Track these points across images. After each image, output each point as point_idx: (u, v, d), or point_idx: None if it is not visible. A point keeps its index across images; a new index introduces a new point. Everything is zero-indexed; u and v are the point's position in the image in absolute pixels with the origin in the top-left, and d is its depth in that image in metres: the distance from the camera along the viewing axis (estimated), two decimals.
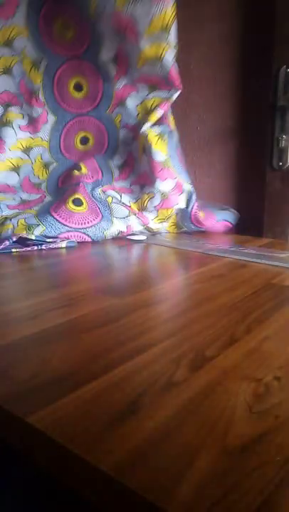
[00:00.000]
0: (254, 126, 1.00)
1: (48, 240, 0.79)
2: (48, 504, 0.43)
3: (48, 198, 0.87)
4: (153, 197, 0.88)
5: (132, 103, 0.88)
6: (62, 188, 0.89)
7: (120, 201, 0.89)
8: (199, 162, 1.11)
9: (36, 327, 0.51)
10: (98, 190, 0.86)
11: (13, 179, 0.88)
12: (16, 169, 0.89)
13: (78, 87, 0.92)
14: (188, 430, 0.32)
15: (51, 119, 0.94)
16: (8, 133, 0.91)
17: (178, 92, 0.86)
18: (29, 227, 0.78)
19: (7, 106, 0.89)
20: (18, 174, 0.88)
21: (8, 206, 0.85)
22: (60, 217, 0.80)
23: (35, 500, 0.45)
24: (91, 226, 0.83)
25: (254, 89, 0.98)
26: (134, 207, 0.90)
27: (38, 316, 0.54)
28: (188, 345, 0.46)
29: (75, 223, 0.82)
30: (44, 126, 0.94)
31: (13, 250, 0.76)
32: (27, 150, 0.91)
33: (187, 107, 1.10)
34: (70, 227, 0.82)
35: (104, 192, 0.88)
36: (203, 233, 1.02)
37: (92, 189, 0.86)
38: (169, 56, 0.80)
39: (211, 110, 1.06)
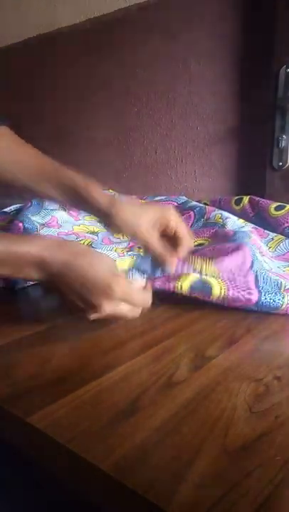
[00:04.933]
0: (254, 126, 0.99)
1: None
2: (48, 503, 0.43)
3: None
4: None
5: None
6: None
7: None
8: (199, 162, 1.11)
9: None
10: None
11: (93, 238, 0.87)
12: (93, 233, 0.89)
13: None
14: (188, 430, 0.32)
15: None
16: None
17: None
18: None
19: None
20: (96, 235, 0.87)
21: (103, 239, 0.83)
22: None
23: (35, 500, 0.45)
24: None
25: (254, 89, 0.98)
26: None
27: None
28: (188, 345, 0.46)
29: None
30: None
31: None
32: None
33: (187, 107, 1.10)
34: None
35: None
36: None
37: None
38: None
39: (211, 110, 1.06)
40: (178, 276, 0.55)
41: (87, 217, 0.93)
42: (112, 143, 1.25)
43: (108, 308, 0.46)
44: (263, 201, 0.83)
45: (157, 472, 0.28)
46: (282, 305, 0.52)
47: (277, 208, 0.79)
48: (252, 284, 0.54)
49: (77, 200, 0.57)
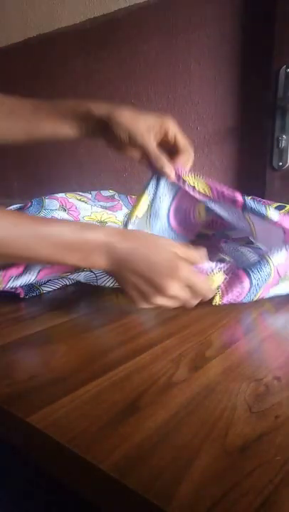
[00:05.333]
0: (254, 126, 0.99)
1: None
2: (48, 504, 0.43)
3: None
4: None
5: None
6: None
7: None
8: (199, 162, 1.11)
9: None
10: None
11: None
12: None
13: None
14: (188, 430, 0.32)
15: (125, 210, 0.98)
16: (83, 206, 0.94)
17: None
18: None
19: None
20: None
21: None
22: None
23: (36, 500, 0.45)
24: None
25: (254, 89, 0.98)
26: None
27: None
28: (188, 345, 0.46)
29: None
30: (119, 212, 0.98)
31: None
32: (102, 223, 0.94)
33: (187, 107, 1.10)
34: None
35: None
36: None
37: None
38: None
39: (211, 110, 1.06)
40: None
41: (87, 217, 0.93)
42: None
43: (173, 289, 0.46)
44: (264, 201, 0.83)
45: (157, 472, 0.28)
46: (271, 271, 0.53)
47: (277, 208, 0.80)
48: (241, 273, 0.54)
49: (77, 119, 0.57)
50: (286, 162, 0.94)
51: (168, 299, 0.47)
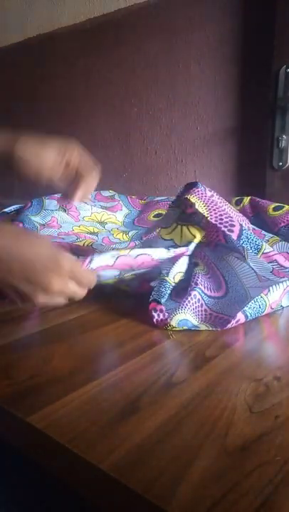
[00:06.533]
0: (254, 126, 0.99)
1: None
2: (49, 504, 0.43)
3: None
4: None
5: None
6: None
7: None
8: (199, 162, 1.11)
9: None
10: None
11: (93, 238, 0.86)
12: (93, 233, 0.89)
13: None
14: (188, 430, 0.32)
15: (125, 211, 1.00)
16: (83, 206, 0.94)
17: None
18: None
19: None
20: (96, 236, 0.87)
21: (103, 239, 0.84)
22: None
23: (36, 500, 0.45)
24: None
25: (254, 89, 0.98)
26: None
27: None
28: (188, 345, 0.46)
29: None
30: (119, 212, 0.99)
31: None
32: (102, 223, 0.94)
33: (187, 107, 1.10)
34: None
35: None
36: None
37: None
38: None
39: (211, 110, 1.06)
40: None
41: (87, 217, 0.93)
42: (112, 143, 1.25)
43: (57, 285, 0.43)
44: (262, 202, 0.83)
45: (157, 472, 0.28)
46: (265, 309, 0.51)
47: (275, 209, 0.80)
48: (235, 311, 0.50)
49: None
50: (286, 162, 0.94)
51: (52, 296, 0.44)
